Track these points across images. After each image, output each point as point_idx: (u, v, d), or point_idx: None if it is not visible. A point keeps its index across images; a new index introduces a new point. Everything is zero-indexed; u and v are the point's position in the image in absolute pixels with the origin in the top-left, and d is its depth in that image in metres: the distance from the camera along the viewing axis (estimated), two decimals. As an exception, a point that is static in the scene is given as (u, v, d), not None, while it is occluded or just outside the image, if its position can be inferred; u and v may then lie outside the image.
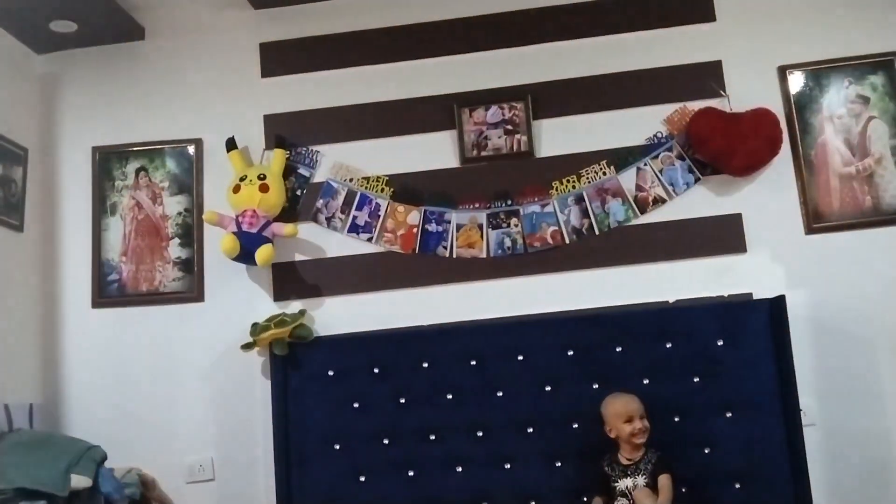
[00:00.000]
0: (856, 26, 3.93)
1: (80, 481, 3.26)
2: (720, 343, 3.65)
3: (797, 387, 3.51)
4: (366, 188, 4.04)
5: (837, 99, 3.91)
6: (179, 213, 4.13)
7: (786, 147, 3.87)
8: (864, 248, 3.79)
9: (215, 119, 4.15)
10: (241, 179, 3.95)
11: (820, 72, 3.92)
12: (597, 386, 3.67)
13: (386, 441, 3.70)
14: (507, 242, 3.93)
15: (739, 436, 3.57)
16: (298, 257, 4.04)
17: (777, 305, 3.59)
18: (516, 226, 3.93)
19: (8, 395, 3.73)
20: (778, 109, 3.89)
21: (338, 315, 3.94)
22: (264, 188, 3.90)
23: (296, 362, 3.81)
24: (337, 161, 4.08)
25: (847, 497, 3.59)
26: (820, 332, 3.70)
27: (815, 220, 3.84)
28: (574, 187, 3.95)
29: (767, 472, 3.53)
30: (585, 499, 3.54)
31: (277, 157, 4.01)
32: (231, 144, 4.04)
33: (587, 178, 3.95)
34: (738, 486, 3.55)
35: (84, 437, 3.62)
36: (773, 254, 3.83)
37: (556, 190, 3.95)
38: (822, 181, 3.87)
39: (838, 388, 3.68)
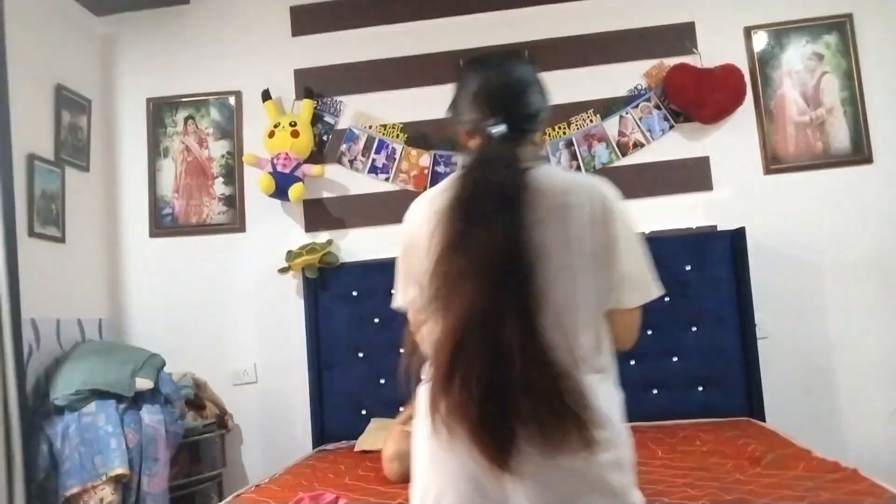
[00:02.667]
0: (813, -10, 3.83)
1: (143, 383, 3.32)
2: (688, 268, 3.65)
3: (753, 305, 3.53)
4: (383, 134, 4.00)
5: (795, 56, 3.83)
6: (222, 156, 4.10)
7: (749, 99, 3.82)
8: (815, 186, 3.76)
9: (252, 73, 4.09)
10: (275, 126, 3.91)
11: (781, 32, 3.83)
12: (582, 304, 3.67)
13: (401, 350, 3.72)
14: (506, 181, 3.89)
15: (703, 347, 3.60)
16: (326, 194, 4.02)
17: (738, 235, 3.59)
18: (514, 167, 3.89)
19: (80, 311, 3.76)
20: (743, 65, 3.82)
21: (360, 244, 3.94)
22: (295, 134, 3.87)
23: (324, 284, 3.83)
24: (358, 110, 4.03)
25: (792, 399, 3.63)
26: (774, 258, 3.69)
27: (773, 163, 3.80)
28: (564, 133, 3.90)
29: (726, 378, 3.57)
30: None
31: (306, 107, 3.96)
32: (266, 95, 3.98)
33: (576, 126, 3.90)
34: (700, 388, 3.60)
35: (146, 347, 3.66)
36: (736, 191, 3.80)
37: (549, 136, 3.90)
38: (779, 128, 3.82)
39: (788, 306, 3.71)
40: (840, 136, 3.78)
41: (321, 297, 3.83)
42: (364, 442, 3.33)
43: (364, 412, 3.67)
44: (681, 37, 3.87)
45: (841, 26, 3.79)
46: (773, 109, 3.82)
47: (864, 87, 3.76)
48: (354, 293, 3.81)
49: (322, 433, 3.71)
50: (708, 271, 3.62)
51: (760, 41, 3.84)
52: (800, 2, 3.83)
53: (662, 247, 3.65)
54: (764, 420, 3.41)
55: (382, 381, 3.74)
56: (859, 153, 3.75)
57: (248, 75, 4.09)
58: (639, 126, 3.87)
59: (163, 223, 4.09)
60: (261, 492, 2.59)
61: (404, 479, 2.60)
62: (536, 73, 1.77)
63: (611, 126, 3.88)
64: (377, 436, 3.22)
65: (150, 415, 3.22)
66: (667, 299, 3.60)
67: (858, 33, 3.77)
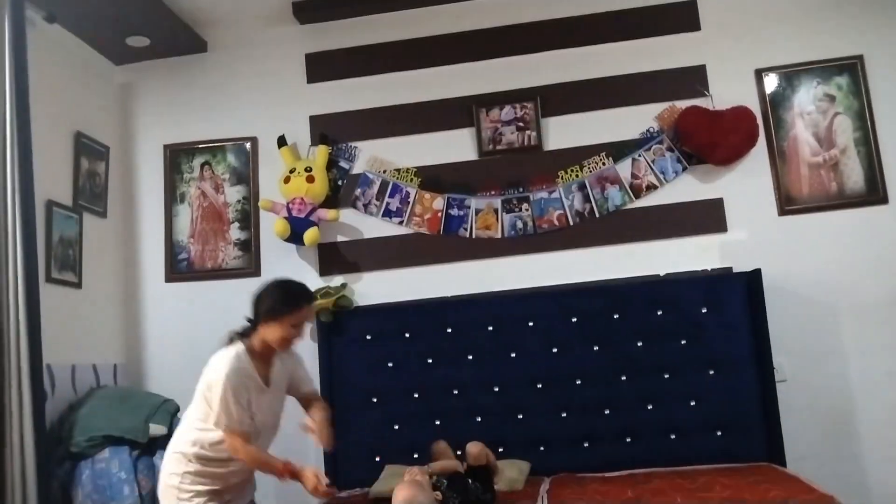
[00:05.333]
0: (824, 32, 3.85)
1: (157, 429, 3.31)
2: (704, 310, 3.61)
3: (771, 348, 3.47)
4: (397, 178, 4.02)
5: (807, 97, 3.83)
6: (238, 201, 4.13)
7: (762, 140, 3.82)
8: (830, 227, 3.73)
9: (268, 119, 4.14)
10: (291, 171, 3.95)
11: (792, 74, 3.84)
12: (597, 348, 3.65)
13: (416, 395, 3.71)
14: (519, 224, 3.90)
15: (720, 391, 3.55)
16: (340, 238, 4.03)
17: (753, 277, 3.55)
18: (527, 210, 3.90)
19: (96, 356, 3.77)
20: (755, 107, 3.83)
21: (374, 288, 3.94)
22: (311, 179, 3.90)
23: (339, 328, 3.81)
24: (372, 155, 4.06)
25: (813, 442, 3.56)
26: (791, 300, 3.65)
27: (787, 203, 3.78)
28: (577, 176, 3.90)
29: (745, 422, 3.50)
30: (586, 444, 3.55)
31: (321, 152, 4.00)
32: (282, 141, 4.03)
33: (589, 168, 3.90)
34: (719, 433, 3.53)
35: (161, 392, 3.64)
36: (750, 233, 3.78)
37: (562, 178, 3.91)
38: (793, 169, 3.80)
39: (807, 348, 3.65)
40: (854, 177, 3.76)
41: (335, 341, 3.80)
42: (378, 489, 3.28)
43: (378, 458, 3.62)
44: (692, 80, 3.88)
45: (852, 67, 3.79)
46: (787, 150, 3.81)
47: (878, 126, 3.75)
48: (368, 337, 3.79)
49: (336, 480, 3.64)
50: (724, 314, 3.58)
51: (772, 83, 3.85)
52: (810, 44, 3.84)
53: (677, 290, 3.65)
54: (784, 465, 3.34)
55: (396, 426, 3.69)
56: (874, 193, 3.73)
57: (264, 121, 4.15)
58: (652, 168, 3.87)
59: (179, 268, 4.11)
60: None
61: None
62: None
63: (623, 169, 3.88)
64: (391, 483, 3.17)
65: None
66: (683, 342, 3.58)
67: (870, 74, 3.78)
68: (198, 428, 2.60)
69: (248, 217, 4.11)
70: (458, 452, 3.19)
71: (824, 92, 3.82)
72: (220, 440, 2.55)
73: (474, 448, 3.19)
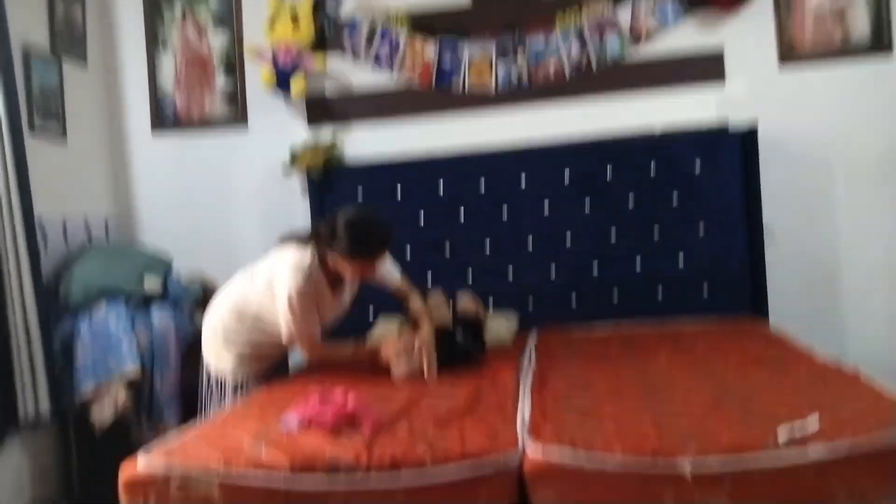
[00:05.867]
0: None
1: (151, 282, 3.34)
2: (698, 166, 3.57)
3: (762, 206, 3.49)
4: (387, 23, 3.83)
5: (819, -60, 3.60)
6: (223, 47, 3.96)
7: (768, -16, 3.62)
8: (832, 80, 3.62)
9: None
10: (276, 15, 3.76)
11: (808, -86, 3.59)
12: (588, 202, 3.64)
13: (408, 250, 3.72)
14: (514, 76, 3.77)
15: (709, 244, 3.57)
16: (328, 88, 3.90)
17: (750, 134, 3.49)
18: (522, 59, 3.76)
19: (86, 210, 3.75)
20: (765, -52, 3.60)
21: (364, 141, 3.86)
22: (296, 23, 3.73)
23: (329, 186, 3.77)
24: (361, -2, 3.86)
25: (796, 299, 3.62)
26: (786, 156, 3.60)
27: (789, 55, 3.65)
28: (576, 21, 3.73)
29: (731, 276, 3.55)
30: (574, 297, 3.63)
31: (307, -5, 3.80)
32: (265, -18, 3.82)
33: (588, 11, 3.72)
34: (706, 286, 3.59)
35: (153, 246, 3.66)
36: (749, 85, 3.67)
37: (561, 20, 3.73)
38: (797, 17, 3.64)
39: (798, 206, 3.64)
40: (860, 26, 3.60)
41: (326, 198, 3.75)
42: (375, 337, 3.37)
43: (371, 308, 3.69)
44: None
45: None
46: (793, -3, 3.63)
47: (891, -28, 3.55)
48: (359, 195, 3.75)
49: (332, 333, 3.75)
50: (718, 169, 3.54)
51: (784, -78, 3.60)
52: None
53: (673, 147, 3.59)
54: (767, 319, 3.44)
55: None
56: (879, 43, 3.59)
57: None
58: (653, 13, 3.69)
59: (164, 119, 4.01)
60: (272, 389, 2.65)
61: (410, 374, 2.66)
62: None
63: (623, 12, 3.71)
64: (389, 330, 3.25)
65: (160, 316, 3.26)
66: (675, 197, 3.58)
67: (887, -85, 3.53)
68: (258, 307, 2.69)
69: (234, 65, 3.95)
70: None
71: (838, -66, 3.59)
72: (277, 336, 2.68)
73: (465, 299, 3.26)
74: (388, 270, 2.89)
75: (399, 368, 2.68)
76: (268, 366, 2.82)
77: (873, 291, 3.63)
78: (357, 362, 2.77)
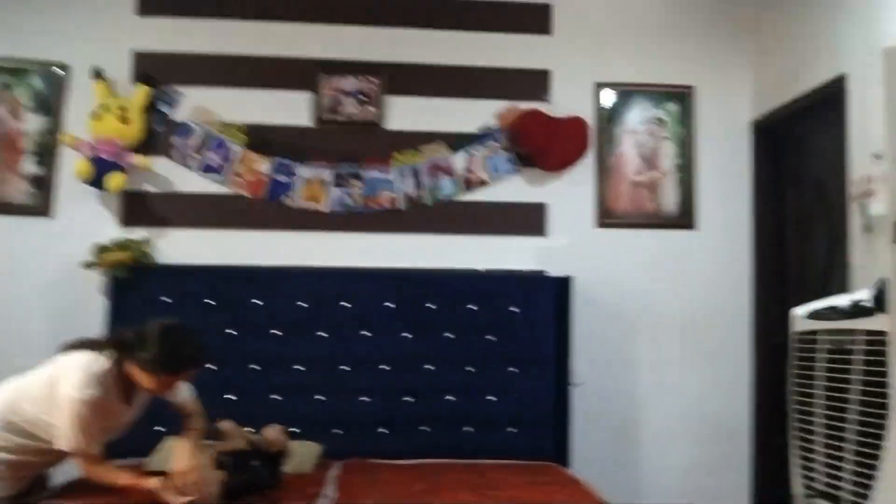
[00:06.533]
0: (663, 58, 4.00)
1: None
2: (515, 309, 3.63)
3: (571, 352, 3.59)
4: (222, 132, 3.75)
5: (639, 118, 3.96)
6: (39, 132, 3.68)
7: (591, 152, 3.90)
8: (641, 244, 3.90)
9: (86, 46, 3.73)
10: (103, 108, 3.59)
11: (629, 93, 3.96)
12: (409, 335, 3.59)
13: (214, 367, 3.46)
14: (348, 201, 3.76)
15: (520, 388, 3.59)
16: (149, 188, 3.71)
17: (565, 283, 3.63)
18: (358, 187, 3.77)
19: None
20: (590, 119, 3.91)
21: (182, 247, 3.67)
22: (125, 120, 3.58)
23: (134, 286, 3.49)
24: (198, 104, 3.76)
25: (599, 446, 3.71)
26: (597, 309, 3.78)
27: (606, 216, 3.91)
28: (413, 161, 3.82)
29: (538, 421, 3.57)
30: (383, 430, 3.49)
31: (141, 93, 3.65)
32: (97, 73, 3.65)
33: (425, 155, 3.83)
34: (512, 430, 3.57)
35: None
36: (568, 240, 3.87)
37: (397, 160, 3.81)
38: (615, 184, 3.93)
39: (605, 356, 3.79)
40: (670, 201, 3.94)
41: (129, 299, 3.46)
42: (156, 462, 3.04)
43: (160, 429, 3.33)
44: (536, 83, 3.91)
45: (683, 96, 3.97)
46: (612, 166, 3.93)
47: (698, 157, 3.95)
48: (167, 298, 3.49)
49: (109, 446, 3.34)
50: (533, 315, 3.62)
51: (609, 98, 3.95)
52: (649, 67, 3.98)
53: (494, 286, 3.66)
54: (567, 466, 3.44)
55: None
56: (686, 218, 3.93)
57: (80, 48, 3.73)
58: (485, 165, 3.86)
59: (-44, 196, 3.62)
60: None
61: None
62: None
63: (458, 161, 3.85)
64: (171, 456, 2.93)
65: None
66: (491, 338, 3.60)
67: (698, 106, 3.97)
68: (33, 413, 2.42)
69: (48, 151, 3.68)
70: (250, 430, 3.01)
71: (655, 116, 3.97)
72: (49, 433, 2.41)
73: (272, 432, 3.03)
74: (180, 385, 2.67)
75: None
76: (29, 477, 2.51)
77: (670, 445, 3.79)
78: (131, 492, 2.50)
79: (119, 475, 2.51)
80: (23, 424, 2.42)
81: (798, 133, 3.71)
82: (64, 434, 2.37)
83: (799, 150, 3.73)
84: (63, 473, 2.69)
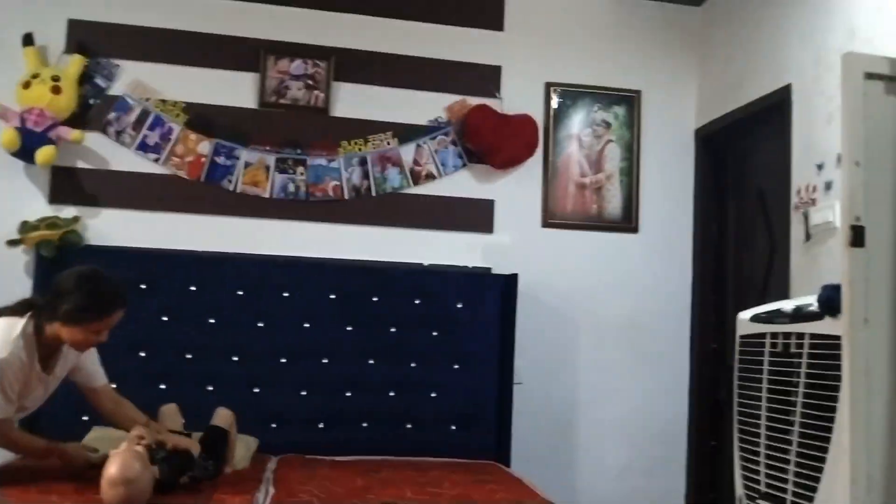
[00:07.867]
0: (612, 62, 4.02)
1: None
2: (460, 306, 3.61)
3: (514, 351, 3.56)
4: (161, 110, 3.58)
5: (586, 119, 3.98)
6: (-41, 98, 3.44)
7: (539, 151, 3.90)
8: (585, 245, 3.92)
9: (15, 11, 3.50)
10: (34, 77, 3.38)
11: (577, 94, 3.97)
12: (350, 329, 3.50)
13: (143, 354, 3.30)
14: (291, 188, 3.64)
15: (462, 386, 3.57)
16: (81, 164, 3.50)
17: (510, 281, 3.61)
18: (302, 174, 3.66)
19: None
20: (539, 118, 3.90)
21: (113, 227, 3.48)
22: (56, 90, 3.37)
23: (62, 266, 3.26)
24: (136, 79, 3.58)
25: (538, 445, 3.70)
26: (540, 308, 3.77)
27: (550, 217, 3.91)
28: (360, 150, 3.73)
29: (479, 419, 3.55)
30: (321, 425, 3.40)
31: (75, 63, 3.45)
32: (28, 40, 3.43)
33: (373, 145, 3.75)
34: (454, 427, 3.54)
35: None
36: (514, 238, 3.85)
37: (344, 149, 3.71)
38: (561, 185, 3.94)
39: (546, 355, 3.79)
40: (614, 203, 3.97)
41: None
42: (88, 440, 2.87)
43: (86, 418, 3.15)
44: (487, 79, 3.88)
45: (630, 100, 4.00)
46: (559, 166, 3.93)
47: (641, 161, 3.99)
48: (97, 281, 3.30)
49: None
50: (477, 312, 3.60)
51: (558, 99, 3.95)
52: (599, 70, 3.99)
53: (438, 282, 3.63)
54: (509, 465, 3.42)
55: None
56: (628, 221, 3.96)
57: (9, 12, 3.49)
58: (434, 158, 3.81)
59: None
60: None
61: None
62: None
63: (407, 153, 3.78)
64: (101, 446, 2.74)
65: None
66: (434, 334, 3.55)
67: (644, 110, 4.01)
68: None
69: (-30, 119, 3.43)
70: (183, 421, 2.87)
71: (602, 118, 4.00)
72: None
73: (221, 413, 2.91)
74: (96, 365, 2.62)
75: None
76: None
77: (609, 446, 3.82)
78: (44, 458, 2.46)
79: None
80: None
81: (741, 142, 3.79)
82: None
83: (742, 158, 3.81)
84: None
